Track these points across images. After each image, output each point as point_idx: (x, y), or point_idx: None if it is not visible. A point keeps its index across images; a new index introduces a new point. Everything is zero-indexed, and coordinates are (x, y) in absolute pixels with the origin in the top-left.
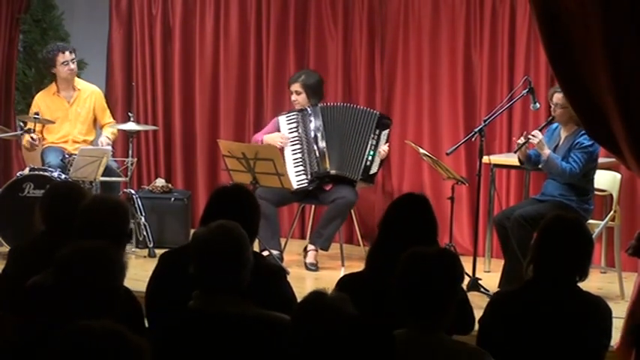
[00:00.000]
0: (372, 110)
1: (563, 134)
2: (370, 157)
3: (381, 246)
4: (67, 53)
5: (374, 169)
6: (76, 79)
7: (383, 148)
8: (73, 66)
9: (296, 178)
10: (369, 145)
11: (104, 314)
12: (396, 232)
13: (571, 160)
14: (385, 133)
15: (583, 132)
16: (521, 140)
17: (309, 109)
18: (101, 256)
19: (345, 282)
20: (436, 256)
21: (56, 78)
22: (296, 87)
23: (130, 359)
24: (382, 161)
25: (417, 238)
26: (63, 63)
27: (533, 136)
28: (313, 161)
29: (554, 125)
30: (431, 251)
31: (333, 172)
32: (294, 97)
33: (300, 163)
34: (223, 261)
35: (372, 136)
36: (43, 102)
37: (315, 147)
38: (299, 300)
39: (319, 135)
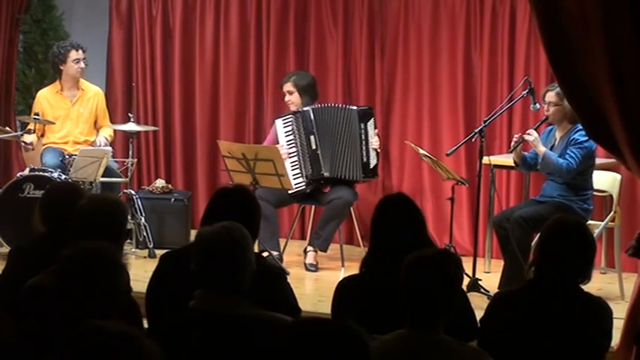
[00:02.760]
0: (350, 107)
1: (558, 134)
2: (365, 154)
3: (373, 249)
4: (80, 51)
5: (373, 163)
6: (80, 79)
7: (374, 139)
8: (84, 65)
9: (294, 181)
10: (360, 143)
11: (105, 315)
12: (383, 235)
13: (567, 157)
14: (370, 123)
15: (577, 129)
16: (515, 140)
17: (302, 112)
18: (102, 258)
19: (344, 285)
20: (436, 257)
21: (61, 76)
22: (288, 87)
23: None
24: (377, 151)
25: (404, 236)
26: (74, 60)
27: (527, 134)
28: (307, 164)
29: (550, 127)
30: (432, 253)
31: (326, 174)
32: (287, 97)
33: (297, 167)
34: (225, 261)
35: (359, 132)
36: (45, 99)
37: (309, 150)
38: (299, 301)
39: (312, 138)
